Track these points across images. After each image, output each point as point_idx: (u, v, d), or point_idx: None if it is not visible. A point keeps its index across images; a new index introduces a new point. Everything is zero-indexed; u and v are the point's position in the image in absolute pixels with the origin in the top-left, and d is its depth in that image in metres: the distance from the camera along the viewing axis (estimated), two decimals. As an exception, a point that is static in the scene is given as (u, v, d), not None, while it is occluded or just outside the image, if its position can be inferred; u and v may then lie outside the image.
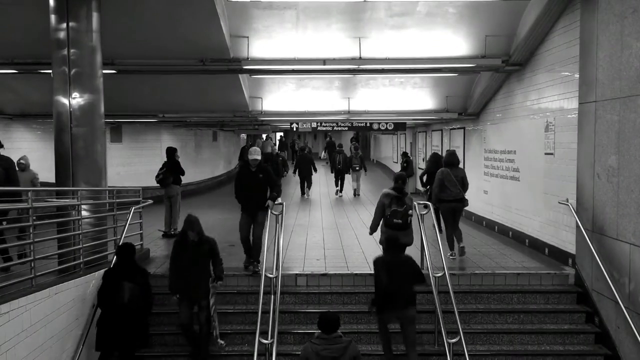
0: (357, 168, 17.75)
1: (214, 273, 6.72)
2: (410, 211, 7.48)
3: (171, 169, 10.97)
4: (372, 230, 7.78)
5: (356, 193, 18.03)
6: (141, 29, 8.53)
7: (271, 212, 7.72)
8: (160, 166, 11.03)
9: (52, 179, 7.42)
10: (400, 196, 7.51)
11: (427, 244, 7.35)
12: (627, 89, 6.24)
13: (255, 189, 7.78)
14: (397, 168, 21.95)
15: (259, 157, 7.76)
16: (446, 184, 8.54)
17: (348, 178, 18.52)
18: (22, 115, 14.09)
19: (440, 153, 12.99)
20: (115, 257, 6.86)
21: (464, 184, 8.72)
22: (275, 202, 7.86)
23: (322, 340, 5.27)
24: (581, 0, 7.34)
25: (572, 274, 7.75)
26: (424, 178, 11.01)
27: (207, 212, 14.21)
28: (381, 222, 7.58)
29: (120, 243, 7.09)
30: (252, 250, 7.88)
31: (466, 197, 8.71)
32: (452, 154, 8.97)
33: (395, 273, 6.24)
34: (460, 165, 9.22)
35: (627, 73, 6.24)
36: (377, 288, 6.46)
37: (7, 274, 6.07)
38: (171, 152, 11.20)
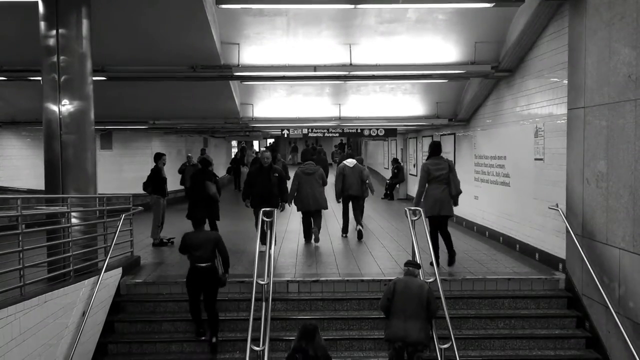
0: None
1: None
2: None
3: (151, 177, 10.70)
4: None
5: None
6: (132, 36, 8.50)
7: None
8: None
9: (42, 187, 7.37)
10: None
11: (418, 251, 7.37)
12: (615, 94, 6.31)
13: None
14: (387, 174, 22.01)
15: None
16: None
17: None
18: (11, 123, 13.99)
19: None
20: (200, 166, 10.85)
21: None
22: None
23: (303, 165, 10.20)
24: (569, 6, 7.43)
25: (562, 279, 7.79)
26: None
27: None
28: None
29: (198, 158, 10.58)
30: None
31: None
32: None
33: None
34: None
35: (615, 79, 6.30)
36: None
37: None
38: (155, 158, 10.91)
